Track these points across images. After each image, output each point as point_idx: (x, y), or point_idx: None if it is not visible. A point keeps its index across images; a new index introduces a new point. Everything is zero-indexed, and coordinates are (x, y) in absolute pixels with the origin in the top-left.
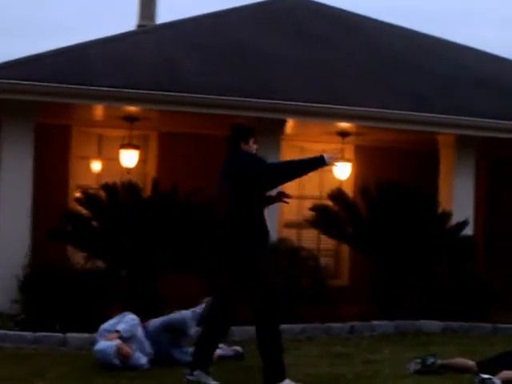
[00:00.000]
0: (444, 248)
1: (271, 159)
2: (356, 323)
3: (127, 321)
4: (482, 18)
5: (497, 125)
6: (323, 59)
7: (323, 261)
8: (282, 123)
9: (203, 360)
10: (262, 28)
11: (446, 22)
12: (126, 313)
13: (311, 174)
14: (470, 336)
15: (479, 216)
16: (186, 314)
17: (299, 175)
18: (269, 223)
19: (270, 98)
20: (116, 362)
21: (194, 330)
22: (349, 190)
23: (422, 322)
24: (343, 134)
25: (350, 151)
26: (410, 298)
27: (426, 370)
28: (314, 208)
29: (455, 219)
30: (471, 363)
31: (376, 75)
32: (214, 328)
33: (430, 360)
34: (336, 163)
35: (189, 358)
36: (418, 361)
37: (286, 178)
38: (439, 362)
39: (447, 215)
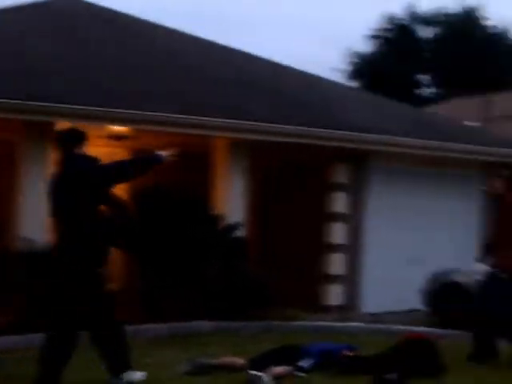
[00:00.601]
0: (216, 249)
1: (39, 164)
2: (128, 327)
3: None
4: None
5: (270, 128)
6: (96, 62)
7: None
8: (50, 127)
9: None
10: (37, 28)
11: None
12: None
13: None
14: (242, 335)
15: (254, 218)
16: None
17: (134, 175)
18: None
19: (37, 100)
20: None
21: None
22: (125, 195)
23: (195, 323)
24: (118, 137)
25: (124, 155)
26: (183, 299)
27: (197, 370)
28: None
29: (229, 221)
30: (241, 361)
31: (149, 77)
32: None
33: (202, 361)
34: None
35: None
36: (190, 362)
37: (121, 178)
38: (211, 362)
39: (220, 217)
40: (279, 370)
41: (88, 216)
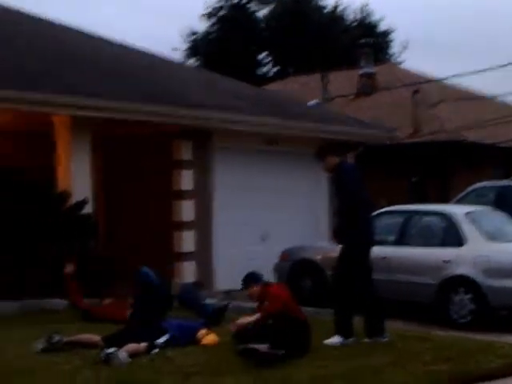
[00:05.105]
0: (65, 227)
1: None
2: None
3: None
4: None
5: (112, 105)
6: None
7: None
8: None
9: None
10: None
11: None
12: None
13: None
14: None
15: (100, 195)
16: None
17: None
18: None
19: None
20: None
21: None
22: None
23: (47, 300)
24: None
25: None
26: (34, 277)
27: (52, 348)
28: None
29: (75, 199)
30: (97, 338)
31: None
32: None
33: (56, 338)
34: None
35: None
36: (44, 339)
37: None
38: (65, 339)
39: (66, 195)
40: (134, 346)
41: None
